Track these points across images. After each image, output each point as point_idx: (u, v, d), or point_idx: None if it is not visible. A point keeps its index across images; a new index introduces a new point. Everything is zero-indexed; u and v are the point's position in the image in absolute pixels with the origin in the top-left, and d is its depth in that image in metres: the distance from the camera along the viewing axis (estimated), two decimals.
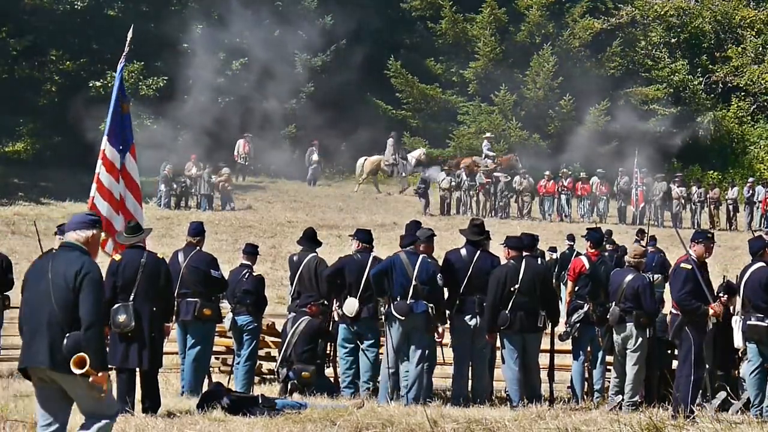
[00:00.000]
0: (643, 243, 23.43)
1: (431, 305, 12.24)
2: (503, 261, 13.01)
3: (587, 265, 13.31)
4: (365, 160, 38.36)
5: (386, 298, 12.40)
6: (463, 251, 12.69)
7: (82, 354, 7.11)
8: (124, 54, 14.59)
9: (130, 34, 14.60)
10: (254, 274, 13.69)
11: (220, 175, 34.47)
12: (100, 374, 7.17)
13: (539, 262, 14.60)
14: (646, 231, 21.12)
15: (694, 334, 11.18)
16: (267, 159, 40.92)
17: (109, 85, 37.37)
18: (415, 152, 39.14)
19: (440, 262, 12.76)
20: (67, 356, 7.16)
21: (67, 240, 7.56)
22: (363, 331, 12.93)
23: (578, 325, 13.14)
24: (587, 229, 14.78)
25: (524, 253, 12.59)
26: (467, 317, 12.49)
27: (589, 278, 13.23)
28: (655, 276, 20.68)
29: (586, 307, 13.10)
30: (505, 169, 35.87)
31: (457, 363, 12.64)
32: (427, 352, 12.34)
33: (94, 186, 13.99)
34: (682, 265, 11.30)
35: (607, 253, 21.99)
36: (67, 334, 7.22)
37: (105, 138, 14.21)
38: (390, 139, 39.37)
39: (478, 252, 12.64)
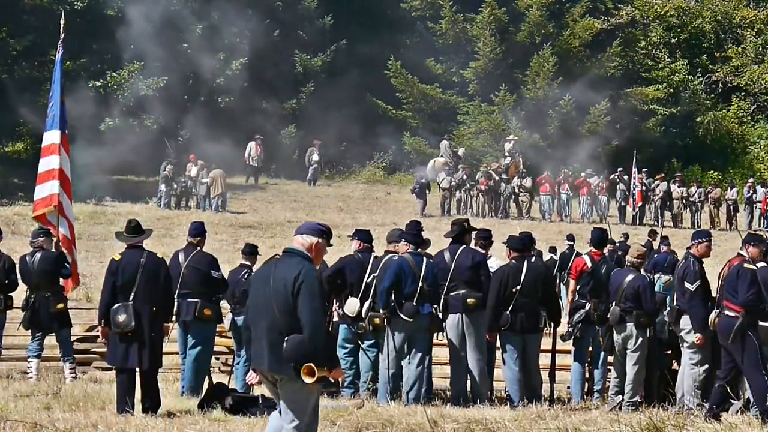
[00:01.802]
0: (656, 243, 23.46)
1: (435, 306, 12.28)
2: (493, 259, 13.04)
3: (589, 264, 13.31)
4: (434, 161, 37.87)
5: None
6: (447, 253, 12.70)
7: (309, 365, 7.27)
8: (60, 41, 14.77)
9: (62, 20, 14.77)
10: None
11: (212, 176, 34.47)
12: (333, 372, 7.41)
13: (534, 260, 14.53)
14: (659, 231, 21.08)
15: (756, 335, 11.09)
16: (267, 159, 40.91)
17: (110, 85, 37.47)
18: (460, 150, 38.81)
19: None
20: (285, 358, 7.32)
21: (291, 245, 7.71)
22: (366, 333, 12.92)
23: (580, 324, 13.13)
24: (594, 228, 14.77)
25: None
26: (452, 316, 12.48)
27: (591, 276, 13.21)
28: (665, 277, 20.64)
29: (587, 307, 13.09)
30: (513, 175, 35.83)
31: (454, 363, 12.63)
32: (427, 352, 12.35)
33: (57, 183, 14.21)
34: (746, 265, 11.19)
35: (607, 253, 22.05)
36: (286, 338, 7.34)
37: (58, 132, 14.36)
38: (444, 141, 39.11)
39: (460, 249, 12.65)
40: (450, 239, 12.95)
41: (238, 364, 13.57)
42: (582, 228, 30.21)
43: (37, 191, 14.97)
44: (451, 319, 12.50)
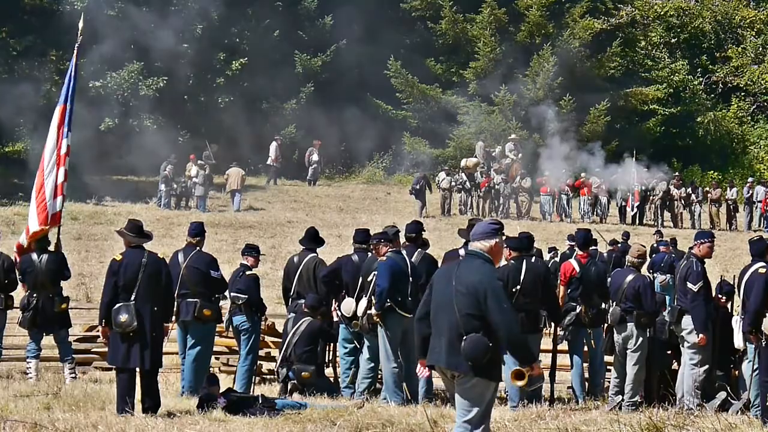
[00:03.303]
0: (664, 243, 23.39)
1: None
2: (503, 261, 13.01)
3: (577, 268, 13.26)
4: (467, 161, 37.65)
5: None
6: (462, 251, 12.66)
7: (518, 369, 7.59)
8: (76, 44, 14.81)
9: (81, 24, 14.79)
10: (248, 273, 13.64)
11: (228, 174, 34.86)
12: (533, 368, 7.72)
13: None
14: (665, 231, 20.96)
15: None
16: (267, 159, 40.91)
17: (109, 85, 37.47)
18: (496, 150, 38.04)
19: (439, 263, 12.78)
20: (463, 356, 7.58)
21: (471, 248, 7.94)
22: (363, 331, 12.92)
23: (571, 327, 13.12)
24: (577, 229, 14.72)
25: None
26: None
27: (580, 281, 13.17)
28: (662, 277, 20.57)
29: (578, 309, 13.07)
30: (514, 175, 35.75)
31: None
32: None
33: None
34: None
35: (606, 254, 22.00)
36: (464, 337, 7.58)
37: (69, 135, 14.50)
38: (480, 142, 38.88)
39: None
40: (460, 237, 12.92)
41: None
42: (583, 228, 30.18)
43: (57, 203, 14.85)
44: None
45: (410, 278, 12.23)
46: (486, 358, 7.54)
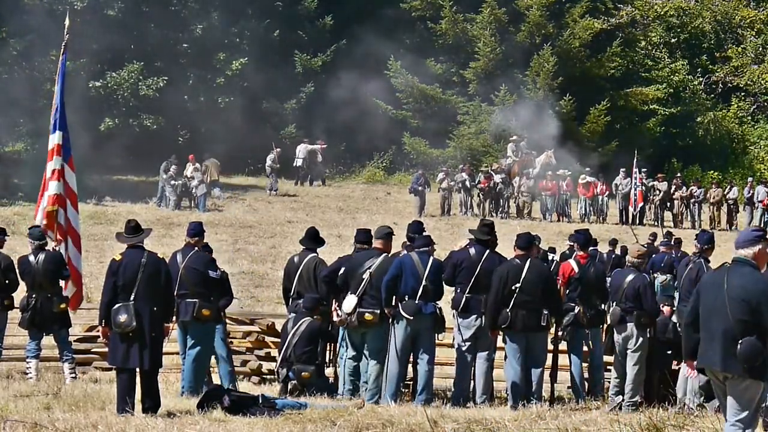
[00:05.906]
0: (672, 243, 23.36)
1: (439, 306, 12.29)
2: None
3: (576, 269, 13.24)
4: (499, 162, 37.34)
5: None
6: (472, 250, 12.64)
7: None
8: (63, 42, 14.80)
9: (66, 22, 14.78)
10: None
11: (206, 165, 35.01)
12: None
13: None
14: (666, 232, 20.93)
15: None
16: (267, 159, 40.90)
17: (109, 85, 37.46)
18: (541, 156, 37.09)
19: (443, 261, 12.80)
20: (738, 359, 7.89)
21: (737, 256, 8.20)
22: (350, 328, 12.94)
23: (569, 327, 13.12)
24: (575, 231, 14.69)
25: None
26: (472, 317, 12.47)
27: (579, 282, 13.15)
28: (662, 277, 20.55)
29: (576, 310, 13.05)
30: (515, 175, 35.70)
31: (460, 363, 12.62)
32: (434, 352, 12.39)
33: (59, 183, 14.27)
34: None
35: (605, 254, 21.97)
36: (740, 341, 7.90)
37: (59, 133, 14.48)
38: (511, 143, 38.76)
39: (486, 252, 12.61)
40: (458, 235, 12.93)
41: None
42: (582, 228, 30.13)
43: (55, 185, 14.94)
44: (470, 320, 12.48)
45: (422, 281, 12.20)
46: (759, 361, 7.86)
